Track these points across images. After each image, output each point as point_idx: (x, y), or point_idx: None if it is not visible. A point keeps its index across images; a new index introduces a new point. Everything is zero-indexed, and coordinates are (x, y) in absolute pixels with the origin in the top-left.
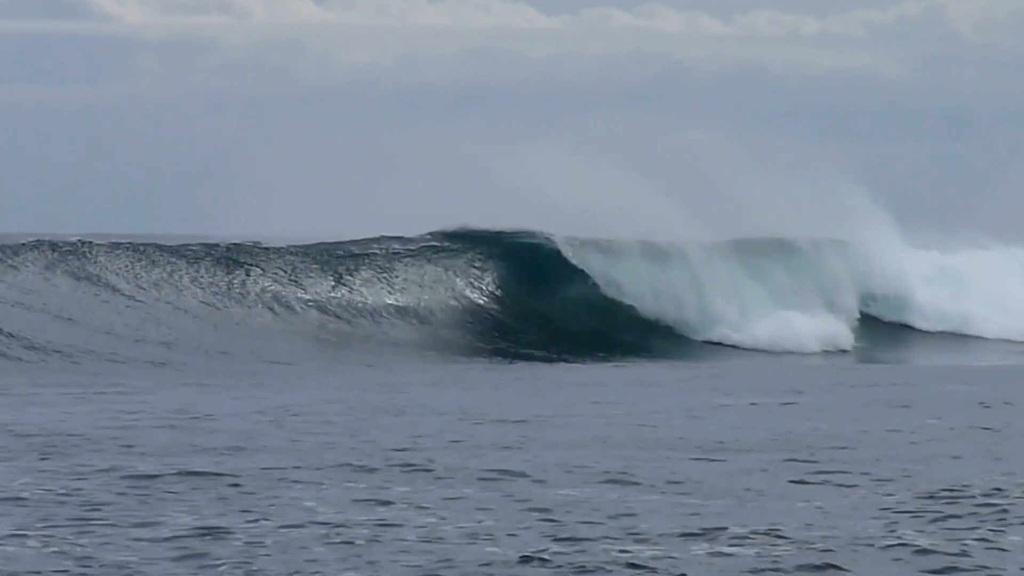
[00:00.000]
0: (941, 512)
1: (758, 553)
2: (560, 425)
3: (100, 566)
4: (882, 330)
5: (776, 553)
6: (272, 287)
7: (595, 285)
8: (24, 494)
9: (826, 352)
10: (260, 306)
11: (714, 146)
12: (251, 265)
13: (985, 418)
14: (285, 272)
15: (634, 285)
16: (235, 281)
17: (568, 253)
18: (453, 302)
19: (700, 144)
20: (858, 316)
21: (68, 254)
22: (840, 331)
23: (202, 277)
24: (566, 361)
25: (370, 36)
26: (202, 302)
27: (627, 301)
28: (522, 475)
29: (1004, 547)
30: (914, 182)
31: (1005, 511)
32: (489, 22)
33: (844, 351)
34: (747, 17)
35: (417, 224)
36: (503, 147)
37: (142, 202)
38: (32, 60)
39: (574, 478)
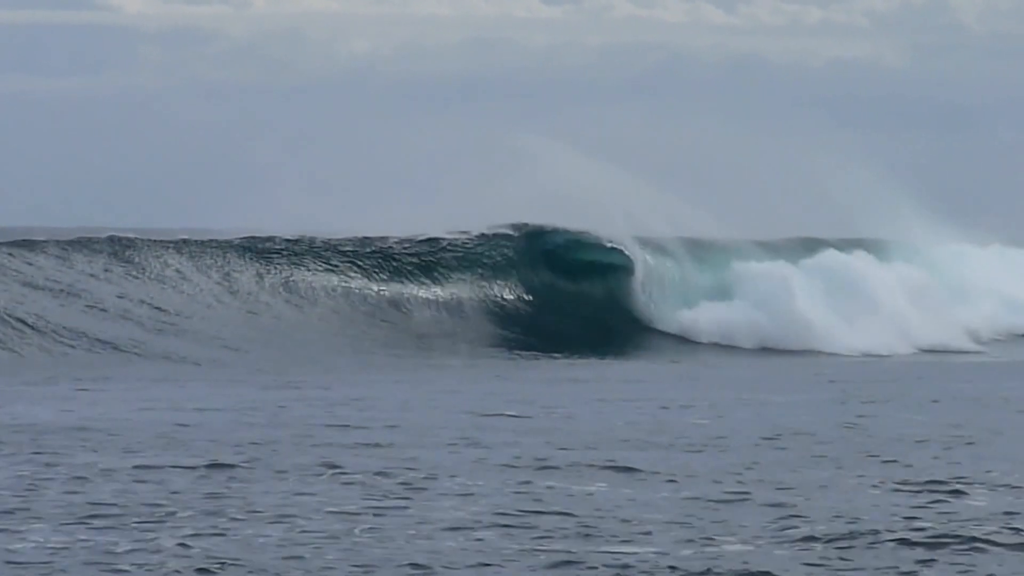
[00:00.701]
0: (924, 505)
1: (751, 551)
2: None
3: (101, 561)
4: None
5: (772, 550)
6: (307, 282)
7: (661, 285)
8: (25, 490)
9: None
10: (279, 301)
11: (728, 138)
12: (277, 259)
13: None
14: (332, 267)
15: (699, 286)
16: (263, 274)
17: (630, 254)
18: (486, 300)
19: (714, 136)
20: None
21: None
22: (953, 331)
23: (222, 269)
24: (604, 358)
25: (370, 25)
26: (216, 294)
27: (689, 303)
28: (525, 469)
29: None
30: (916, 173)
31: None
32: (490, 11)
33: (968, 351)
34: (749, 6)
35: (419, 219)
36: (504, 140)
37: (141, 193)
38: (31, 50)
39: (574, 473)
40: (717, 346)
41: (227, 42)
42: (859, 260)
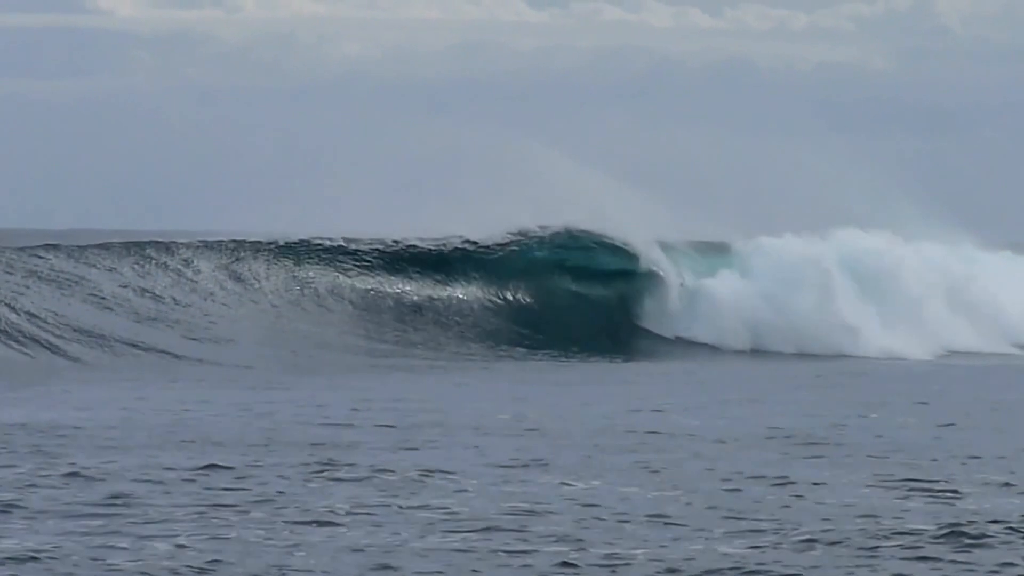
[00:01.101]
0: (922, 505)
1: (749, 551)
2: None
3: (98, 560)
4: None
5: (769, 550)
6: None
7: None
8: (21, 490)
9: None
10: (280, 301)
11: (716, 142)
12: (279, 259)
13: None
14: (335, 267)
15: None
16: (263, 274)
17: (645, 257)
18: (489, 300)
19: (702, 140)
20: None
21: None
22: (989, 335)
23: (222, 268)
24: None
25: (360, 29)
26: (215, 293)
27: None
28: (527, 468)
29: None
30: (903, 176)
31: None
32: (478, 15)
33: None
34: (736, 10)
35: (418, 220)
36: (500, 144)
37: (134, 196)
38: (23, 54)
39: (571, 473)
40: (715, 349)
41: (219, 46)
42: (890, 243)
